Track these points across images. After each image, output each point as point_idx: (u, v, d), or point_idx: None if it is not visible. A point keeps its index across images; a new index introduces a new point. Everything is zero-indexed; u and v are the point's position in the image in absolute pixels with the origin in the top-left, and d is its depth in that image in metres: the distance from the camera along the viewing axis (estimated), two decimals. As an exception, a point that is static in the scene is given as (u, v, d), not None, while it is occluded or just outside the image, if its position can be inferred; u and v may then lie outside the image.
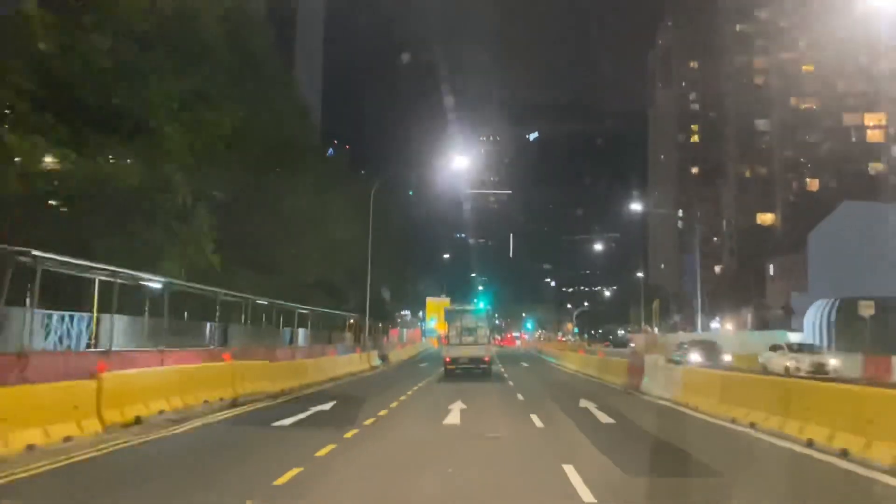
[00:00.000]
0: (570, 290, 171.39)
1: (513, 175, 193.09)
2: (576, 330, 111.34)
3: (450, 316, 27.09)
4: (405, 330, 57.24)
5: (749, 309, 54.72)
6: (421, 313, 73.69)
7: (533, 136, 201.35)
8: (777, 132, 78.64)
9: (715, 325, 44.38)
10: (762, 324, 51.41)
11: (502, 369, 29.41)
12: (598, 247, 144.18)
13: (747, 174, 79.49)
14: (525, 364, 36.56)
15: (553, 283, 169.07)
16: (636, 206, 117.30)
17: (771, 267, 55.51)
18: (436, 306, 64.74)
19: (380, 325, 47.81)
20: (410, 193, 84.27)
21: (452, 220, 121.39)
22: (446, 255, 70.45)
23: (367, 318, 31.81)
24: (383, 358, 31.98)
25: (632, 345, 64.56)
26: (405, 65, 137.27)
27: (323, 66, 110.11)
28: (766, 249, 67.20)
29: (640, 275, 72.25)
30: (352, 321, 39.51)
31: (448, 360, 24.99)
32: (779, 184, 76.61)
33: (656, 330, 60.05)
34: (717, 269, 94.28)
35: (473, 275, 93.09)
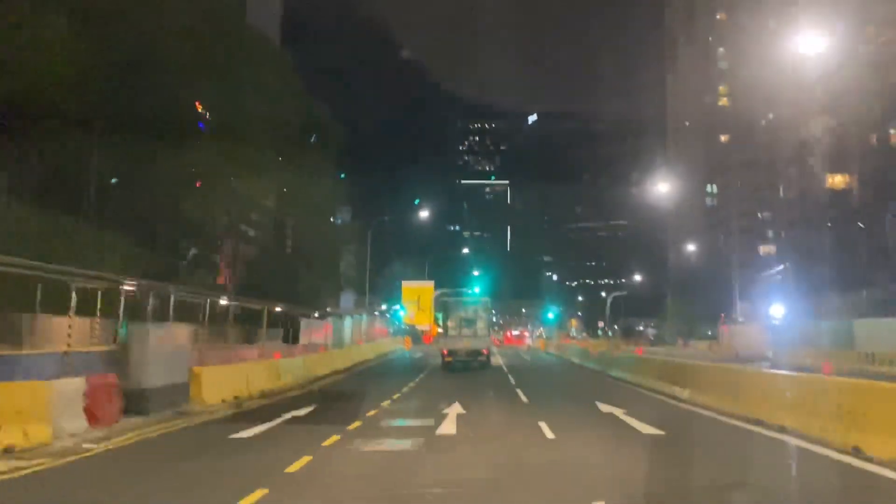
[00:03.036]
0: (575, 283, 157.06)
1: (510, 163, 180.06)
2: (601, 326, 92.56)
3: (446, 306, 28.53)
4: (350, 324, 35.60)
5: (865, 291, 38.55)
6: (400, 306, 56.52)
7: (532, 118, 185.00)
8: (851, 74, 62.73)
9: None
10: (882, 309, 35.76)
11: None
12: (606, 235, 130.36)
13: (809, 129, 63.49)
14: (651, 429, 11.07)
15: (556, 277, 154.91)
16: (658, 186, 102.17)
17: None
18: (415, 292, 48.06)
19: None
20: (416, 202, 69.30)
21: (441, 202, 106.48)
22: (424, 212, 53.90)
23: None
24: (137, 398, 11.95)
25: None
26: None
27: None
28: (849, 217, 51.70)
29: (690, 247, 56.21)
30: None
31: (445, 352, 26.47)
32: (853, 139, 60.66)
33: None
34: (762, 248, 79.13)
35: (466, 250, 77.31)
